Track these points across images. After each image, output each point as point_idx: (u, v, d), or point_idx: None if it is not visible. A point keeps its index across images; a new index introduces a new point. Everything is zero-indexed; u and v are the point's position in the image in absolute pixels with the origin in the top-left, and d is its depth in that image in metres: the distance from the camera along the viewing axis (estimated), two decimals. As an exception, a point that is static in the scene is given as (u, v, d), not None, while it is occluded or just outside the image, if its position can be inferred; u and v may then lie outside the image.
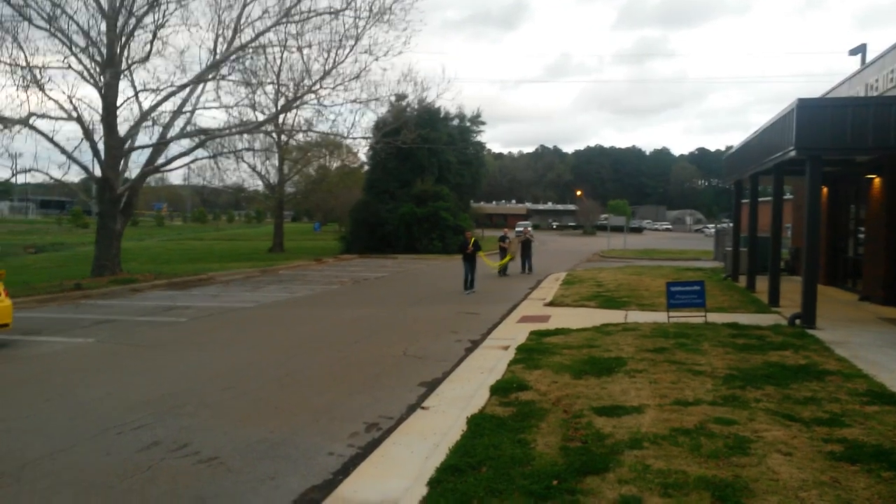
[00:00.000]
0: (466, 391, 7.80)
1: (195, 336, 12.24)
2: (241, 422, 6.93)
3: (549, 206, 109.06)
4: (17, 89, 20.84)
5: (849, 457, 5.19)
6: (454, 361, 9.72)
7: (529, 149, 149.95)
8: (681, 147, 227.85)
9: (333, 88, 24.96)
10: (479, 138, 51.71)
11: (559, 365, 8.52)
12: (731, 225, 24.29)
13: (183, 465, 5.71)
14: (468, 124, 49.83)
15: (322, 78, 24.51)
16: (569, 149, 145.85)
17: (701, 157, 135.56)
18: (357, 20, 23.84)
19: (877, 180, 15.16)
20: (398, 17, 24.45)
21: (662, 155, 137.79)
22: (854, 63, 17.98)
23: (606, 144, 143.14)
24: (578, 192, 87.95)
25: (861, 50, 18.92)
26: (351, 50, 24.18)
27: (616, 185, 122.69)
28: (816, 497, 4.52)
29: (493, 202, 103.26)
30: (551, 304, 15.39)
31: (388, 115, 32.21)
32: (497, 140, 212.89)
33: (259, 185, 42.45)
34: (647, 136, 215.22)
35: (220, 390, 8.26)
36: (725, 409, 6.50)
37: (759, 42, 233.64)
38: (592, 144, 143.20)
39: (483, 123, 51.27)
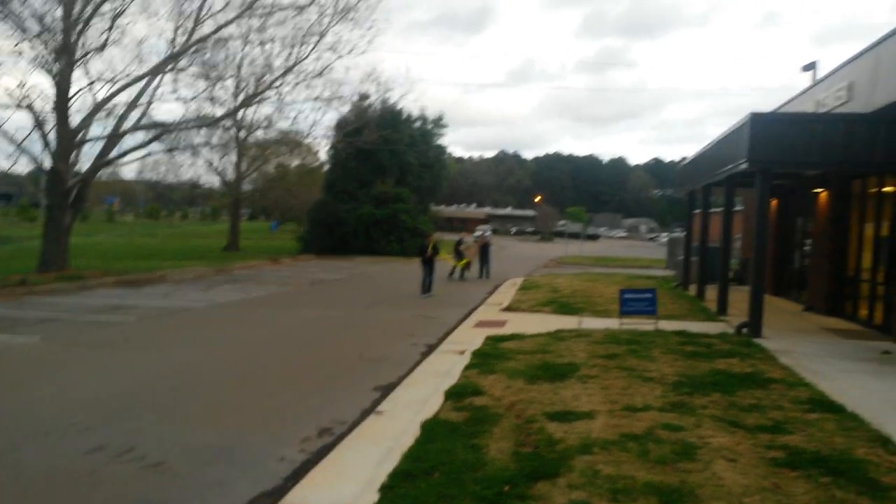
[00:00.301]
0: (421, 396, 7.80)
1: (144, 336, 11.94)
2: (189, 425, 6.78)
3: (509, 211, 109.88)
4: (-37, 75, 20.09)
5: (789, 463, 5.37)
6: (410, 365, 9.70)
7: (491, 153, 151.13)
8: (637, 157, 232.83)
9: (295, 85, 24.85)
10: (440, 141, 51.71)
11: (513, 370, 8.58)
12: (683, 234, 24.87)
13: (128, 471, 5.56)
14: (430, 127, 49.82)
15: (284, 74, 24.32)
16: (529, 155, 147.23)
17: (656, 167, 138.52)
18: (322, 17, 23.74)
19: (823, 194, 15.72)
20: (363, 16, 24.39)
21: (619, 164, 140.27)
22: (806, 79, 18.60)
23: (566, 152, 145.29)
24: (537, 198, 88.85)
25: (812, 67, 19.58)
26: (314, 47, 24.09)
27: (574, 192, 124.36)
28: (759, 502, 4.66)
29: (454, 206, 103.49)
30: (508, 309, 15.50)
31: (350, 114, 32.07)
32: (459, 143, 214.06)
33: (215, 181, 41.70)
34: (605, 145, 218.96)
35: (167, 392, 8.07)
36: (673, 415, 6.65)
37: (717, 55, 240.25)
38: (552, 151, 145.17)
39: (445, 126, 51.30)
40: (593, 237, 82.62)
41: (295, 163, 46.79)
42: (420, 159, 44.98)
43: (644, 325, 12.13)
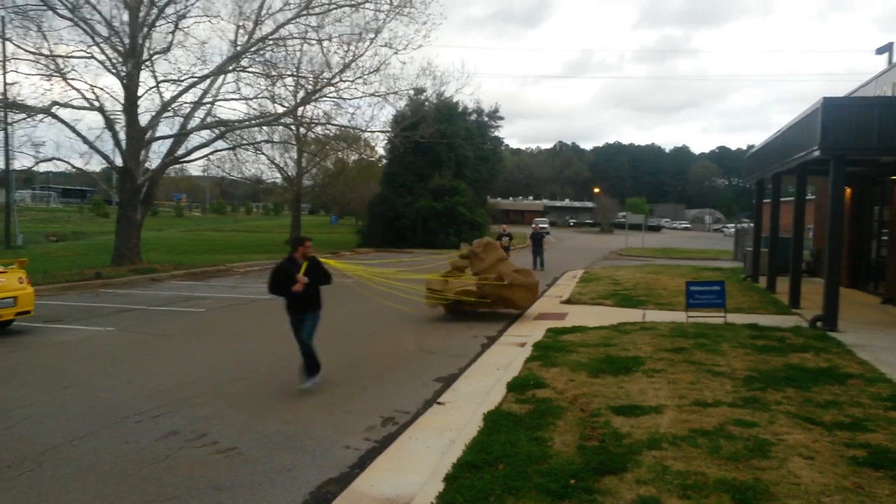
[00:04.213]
0: (482, 387, 7.78)
1: (213, 326, 12.33)
2: (258, 413, 6.96)
3: (567, 203, 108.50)
4: (41, 78, 21.12)
5: (872, 462, 5.11)
6: (470, 357, 9.70)
7: (548, 145, 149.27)
8: (700, 145, 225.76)
9: (353, 81, 25.03)
10: (497, 134, 51.62)
11: (576, 363, 8.47)
12: (751, 225, 24.01)
13: (201, 455, 5.75)
14: (486, 119, 49.72)
15: (341, 71, 24.58)
16: (587, 146, 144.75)
17: (721, 156, 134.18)
18: (377, 13, 23.87)
19: (902, 182, 14.89)
20: (419, 11, 24.42)
21: (682, 153, 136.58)
22: (881, 62, 17.66)
23: (625, 142, 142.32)
24: (596, 190, 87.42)
25: (888, 49, 18.57)
26: (371, 43, 24.23)
27: (634, 182, 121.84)
28: (839, 502, 4.45)
29: (510, 198, 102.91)
30: (568, 301, 15.30)
31: (406, 109, 32.21)
32: (515, 136, 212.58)
33: (277, 177, 42.65)
34: (666, 134, 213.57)
35: (235, 380, 8.30)
36: (745, 410, 6.42)
37: (781, 41, 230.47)
38: (611, 141, 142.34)
39: (501, 119, 51.18)
40: (655, 228, 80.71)
41: (353, 158, 47.46)
42: (476, 152, 44.92)
43: (712, 318, 11.76)
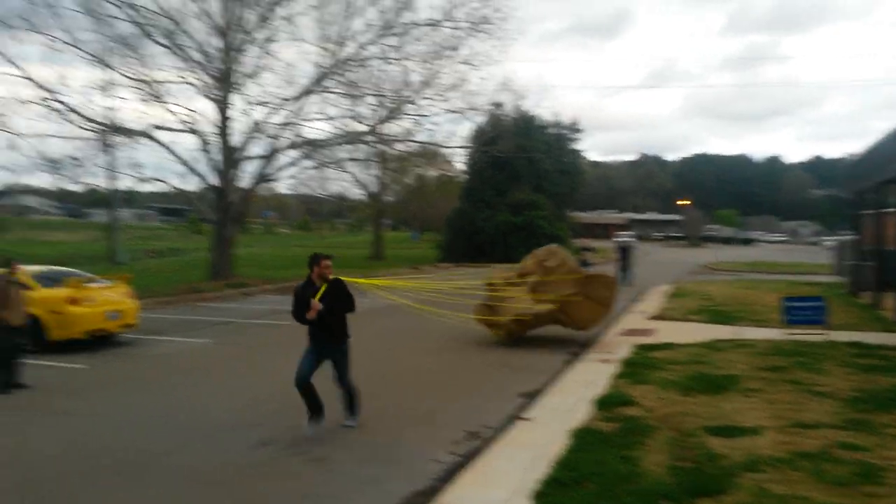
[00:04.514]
0: (567, 404, 7.65)
1: (302, 339, 12.68)
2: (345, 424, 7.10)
3: (652, 215, 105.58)
4: (140, 103, 22.53)
5: None
6: (554, 373, 9.55)
7: (629, 157, 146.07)
8: (793, 155, 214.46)
9: (432, 98, 25.40)
10: (576, 146, 50.96)
11: (666, 381, 8.20)
12: (852, 237, 22.60)
13: (293, 464, 5.93)
14: (565, 132, 49.18)
15: (421, 89, 25.00)
16: (671, 157, 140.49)
17: (816, 166, 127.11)
18: (456, 31, 24.19)
19: None
20: (496, 27, 24.49)
21: (773, 163, 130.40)
22: None
23: (711, 152, 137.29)
24: (684, 202, 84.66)
25: None
26: (449, 60, 24.54)
27: (722, 194, 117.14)
28: (965, 537, 4.09)
29: (592, 211, 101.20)
30: (656, 317, 14.85)
31: (485, 124, 32.35)
32: (595, 148, 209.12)
33: (360, 194, 43.74)
34: (756, 144, 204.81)
35: (324, 393, 8.50)
36: (851, 433, 6.03)
37: (879, 45, 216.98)
38: (696, 152, 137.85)
39: (580, 131, 50.41)
40: (747, 241, 77.28)
41: (433, 174, 48.04)
42: (556, 165, 44.51)
43: (812, 335, 11.13)
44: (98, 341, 11.72)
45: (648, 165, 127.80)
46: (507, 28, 25.56)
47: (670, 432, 6.21)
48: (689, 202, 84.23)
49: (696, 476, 5.06)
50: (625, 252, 25.13)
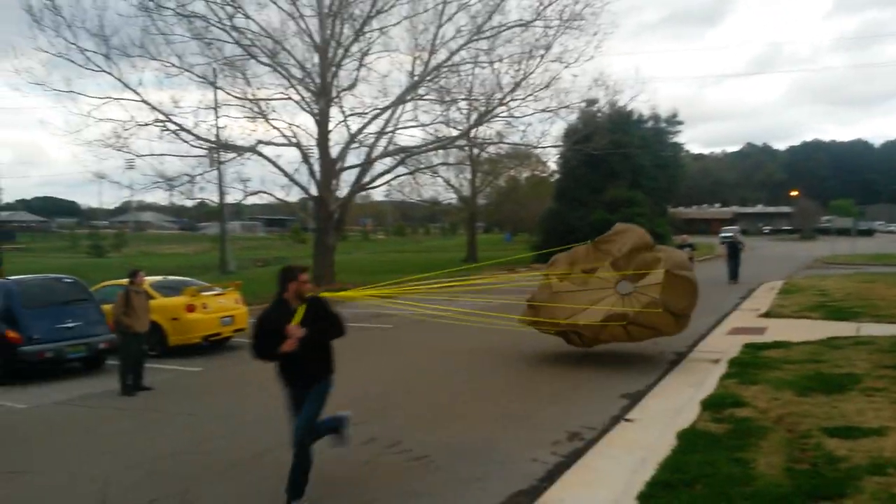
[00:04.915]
0: (673, 405, 7.42)
1: (400, 341, 13.01)
2: (448, 423, 7.23)
3: (759, 208, 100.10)
4: (247, 120, 23.81)
5: None
6: (657, 374, 9.29)
7: (734, 148, 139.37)
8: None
9: (523, 99, 25.30)
10: (676, 139, 49.22)
11: (779, 380, 7.78)
12: None
13: (397, 461, 6.10)
14: (664, 125, 47.61)
15: (512, 90, 24.95)
16: (780, 146, 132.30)
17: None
18: (547, 29, 24.00)
19: None
20: (589, 23, 24.09)
21: (894, 148, 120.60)
22: None
23: (825, 139, 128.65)
24: (793, 193, 79.83)
25: None
26: (541, 59, 24.37)
27: (837, 183, 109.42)
28: None
29: (694, 206, 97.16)
30: (767, 315, 14.10)
31: (578, 122, 31.85)
32: (696, 140, 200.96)
33: (453, 198, 44.15)
34: (875, 128, 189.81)
35: (426, 392, 8.68)
36: None
37: None
38: (808, 140, 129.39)
39: (680, 124, 48.66)
40: (867, 233, 71.84)
41: (525, 175, 47.79)
42: (654, 160, 43.18)
43: (944, 331, 10.23)
44: (212, 345, 12.47)
45: (755, 156, 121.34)
46: (601, 23, 25.08)
47: (785, 434, 5.90)
48: (799, 193, 79.29)
49: (815, 479, 4.79)
50: (733, 248, 24.00)
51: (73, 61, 20.34)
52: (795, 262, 34.18)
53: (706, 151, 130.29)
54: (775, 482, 4.79)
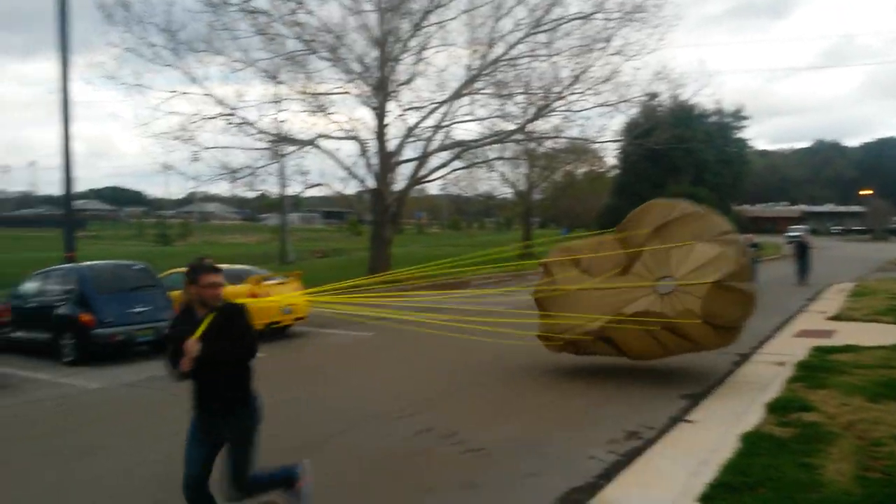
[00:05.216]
0: (735, 407, 7.22)
1: (455, 333, 13.01)
2: (503, 417, 7.23)
3: (829, 207, 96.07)
4: (307, 114, 24.25)
5: None
6: (719, 375, 9.04)
7: (803, 144, 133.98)
8: None
9: (583, 93, 24.97)
10: (741, 135, 47.79)
11: (849, 385, 7.47)
12: None
13: (452, 453, 6.13)
14: (728, 120, 46.30)
15: (571, 84, 24.64)
16: (852, 142, 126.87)
17: None
18: (607, 22, 23.58)
19: None
20: (651, 15, 23.57)
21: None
22: None
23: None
24: (865, 191, 76.30)
25: None
26: (601, 52, 23.98)
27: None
28: None
29: (759, 204, 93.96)
30: (836, 317, 13.54)
31: (639, 116, 31.24)
32: (763, 136, 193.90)
33: (508, 192, 43.99)
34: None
35: (481, 385, 8.69)
36: None
37: None
38: (883, 136, 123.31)
39: (746, 118, 47.29)
40: (946, 233, 68.14)
41: (582, 170, 47.21)
42: (718, 156, 42.06)
43: None
44: (274, 333, 12.80)
45: (825, 152, 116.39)
46: (663, 15, 24.47)
47: (855, 440, 5.67)
48: (872, 192, 75.73)
49: (888, 488, 4.59)
50: (802, 248, 23.11)
51: (142, 56, 21.15)
52: (866, 264, 32.69)
53: (773, 148, 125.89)
54: (845, 490, 4.61)
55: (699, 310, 7.65)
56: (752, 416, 6.66)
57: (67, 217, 18.83)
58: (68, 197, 18.07)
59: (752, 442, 5.73)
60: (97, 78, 76.64)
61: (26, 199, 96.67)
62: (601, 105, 25.53)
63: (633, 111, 30.19)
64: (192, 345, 4.02)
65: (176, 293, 10.85)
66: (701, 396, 7.88)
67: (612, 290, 8.27)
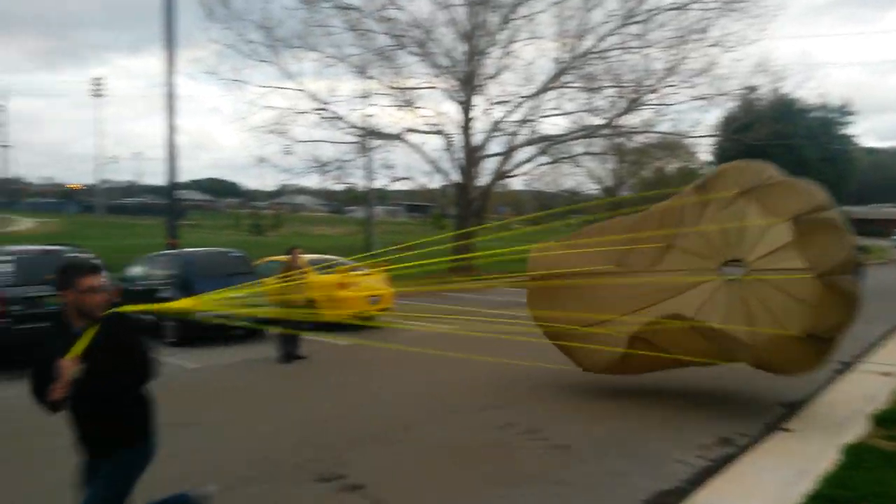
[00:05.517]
0: (837, 417, 6.85)
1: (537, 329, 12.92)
2: (588, 415, 7.13)
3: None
4: (395, 109, 24.65)
5: None
6: (820, 383, 8.54)
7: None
8: None
9: (676, 86, 24.17)
10: (846, 131, 44.94)
11: (967, 400, 6.93)
12: None
13: (535, 448, 6.11)
14: (833, 116, 43.63)
15: (665, 76, 23.90)
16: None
17: None
18: (705, 12, 22.71)
19: None
20: (751, 4, 22.49)
21: None
22: None
23: None
24: None
25: None
26: (697, 44, 23.13)
27: None
28: None
29: (866, 205, 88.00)
30: (952, 327, 12.57)
31: (737, 110, 29.92)
32: (872, 133, 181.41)
33: (595, 188, 43.12)
34: None
35: (560, 387, 8.60)
36: None
37: None
38: None
39: (852, 114, 44.40)
40: None
41: (672, 165, 45.63)
42: (821, 153, 39.74)
43: None
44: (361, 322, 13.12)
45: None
46: (765, 4, 23.34)
47: (976, 461, 5.26)
48: None
49: None
50: None
51: (240, 52, 22.11)
52: None
53: (882, 145, 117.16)
54: (962, 511, 4.29)
55: (805, 320, 5.83)
56: (855, 427, 6.31)
57: (170, 206, 19.96)
58: (172, 187, 19.15)
59: (856, 454, 5.43)
60: (199, 73, 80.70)
61: (131, 189, 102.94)
62: (696, 98, 24.66)
63: (731, 105, 28.96)
64: (68, 365, 3.15)
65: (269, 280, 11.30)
66: (799, 405, 7.51)
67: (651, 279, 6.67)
